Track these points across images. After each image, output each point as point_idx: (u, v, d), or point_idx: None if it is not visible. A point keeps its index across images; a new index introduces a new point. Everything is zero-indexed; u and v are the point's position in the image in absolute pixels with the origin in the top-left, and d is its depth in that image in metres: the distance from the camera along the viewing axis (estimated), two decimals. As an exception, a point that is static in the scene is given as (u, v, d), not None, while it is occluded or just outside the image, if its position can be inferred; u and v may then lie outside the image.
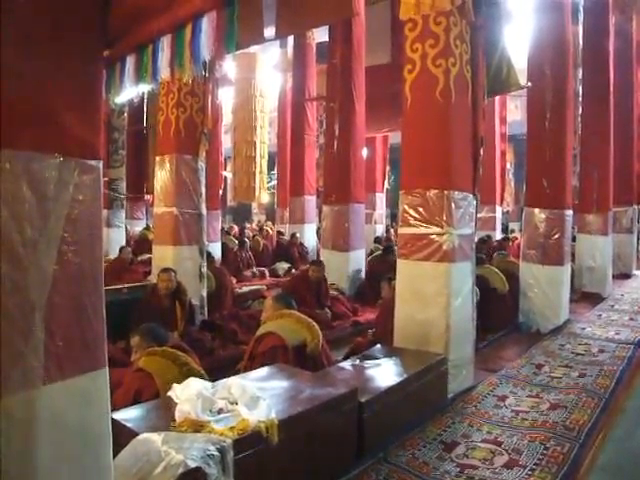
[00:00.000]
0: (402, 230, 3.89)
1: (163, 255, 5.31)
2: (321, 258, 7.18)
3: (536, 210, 5.82)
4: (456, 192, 3.69)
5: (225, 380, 2.56)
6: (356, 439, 2.68)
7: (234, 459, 2.00)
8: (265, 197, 12.46)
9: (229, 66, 10.91)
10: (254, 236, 11.54)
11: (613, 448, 2.87)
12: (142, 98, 9.23)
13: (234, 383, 2.47)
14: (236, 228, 13.58)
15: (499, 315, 5.46)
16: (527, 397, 3.59)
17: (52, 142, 1.44)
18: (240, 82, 11.31)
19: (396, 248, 6.69)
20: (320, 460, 2.46)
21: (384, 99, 7.31)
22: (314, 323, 3.40)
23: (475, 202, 3.95)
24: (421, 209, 3.71)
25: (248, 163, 11.25)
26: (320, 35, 9.27)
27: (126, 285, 5.47)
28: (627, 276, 9.02)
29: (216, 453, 1.94)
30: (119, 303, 4.45)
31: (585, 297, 7.21)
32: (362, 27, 7.26)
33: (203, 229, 5.49)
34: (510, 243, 9.98)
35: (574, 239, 7.44)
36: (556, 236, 5.72)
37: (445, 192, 3.64)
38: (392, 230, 12.45)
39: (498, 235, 11.59)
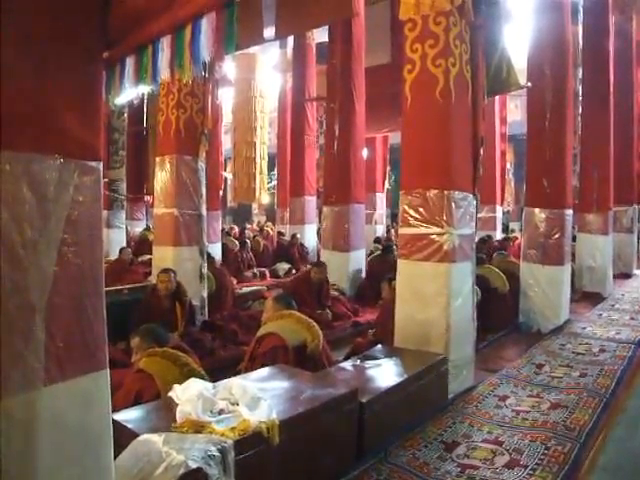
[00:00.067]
0: (402, 230, 3.89)
1: (163, 256, 5.31)
2: (321, 258, 7.18)
3: (536, 210, 5.81)
4: (456, 192, 3.69)
5: (226, 381, 2.56)
6: (357, 439, 2.67)
7: (235, 460, 2.00)
8: (265, 198, 12.46)
9: (229, 67, 10.90)
10: (254, 237, 11.54)
11: (614, 448, 2.87)
12: (142, 99, 9.25)
13: (235, 384, 2.47)
14: (236, 229, 13.58)
15: (499, 315, 5.46)
16: (528, 397, 3.59)
17: (52, 143, 1.45)
18: (240, 83, 11.31)
19: (395, 248, 6.73)
20: (321, 460, 2.46)
21: (384, 99, 7.31)
22: (314, 323, 3.40)
23: (475, 202, 3.95)
24: (421, 209, 3.71)
25: (248, 164, 11.25)
26: (320, 35, 9.28)
27: (126, 286, 5.48)
28: (627, 276, 9.01)
29: (217, 454, 1.94)
30: (119, 304, 4.45)
31: (585, 297, 7.20)
32: (362, 27, 7.26)
33: (203, 230, 5.49)
34: (510, 243, 9.98)
35: (574, 239, 7.43)
36: (556, 236, 5.71)
37: (445, 192, 3.64)
38: (392, 230, 12.46)
39: (498, 235, 11.60)
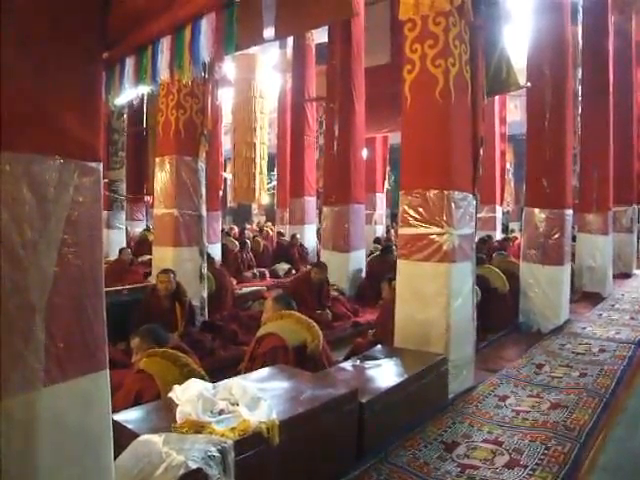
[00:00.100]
0: (402, 230, 3.89)
1: (163, 256, 5.31)
2: (321, 259, 7.18)
3: (536, 210, 5.81)
4: (456, 192, 3.69)
5: (226, 381, 2.56)
6: (356, 439, 2.67)
7: (235, 460, 2.00)
8: (265, 198, 12.45)
9: (229, 67, 10.91)
10: (254, 237, 11.54)
11: (614, 448, 2.87)
12: (142, 99, 9.22)
13: (235, 384, 2.47)
14: (236, 229, 13.57)
15: (499, 315, 5.46)
16: (528, 397, 3.59)
17: (52, 144, 1.45)
18: (240, 83, 11.31)
19: (395, 248, 6.72)
20: (321, 460, 2.46)
21: (384, 99, 7.31)
22: (314, 324, 3.40)
23: (475, 202, 3.95)
24: (421, 209, 3.71)
25: (248, 164, 11.25)
26: (319, 36, 9.27)
27: (126, 286, 5.48)
28: (627, 275, 9.02)
29: (217, 454, 1.94)
30: (119, 304, 4.45)
31: (585, 297, 7.21)
32: (361, 28, 7.26)
33: (203, 230, 5.49)
34: (510, 243, 9.99)
35: (574, 239, 7.43)
36: (556, 236, 5.71)
37: (445, 192, 3.64)
38: (392, 230, 12.46)
39: (498, 235, 11.60)
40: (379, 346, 3.70)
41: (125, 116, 10.76)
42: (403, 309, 3.81)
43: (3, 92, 1.33)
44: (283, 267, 9.14)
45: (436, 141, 3.69)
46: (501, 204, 12.50)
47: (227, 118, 12.88)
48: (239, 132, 11.35)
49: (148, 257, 7.19)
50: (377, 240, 10.39)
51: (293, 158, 10.31)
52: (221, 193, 10.77)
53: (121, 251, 8.06)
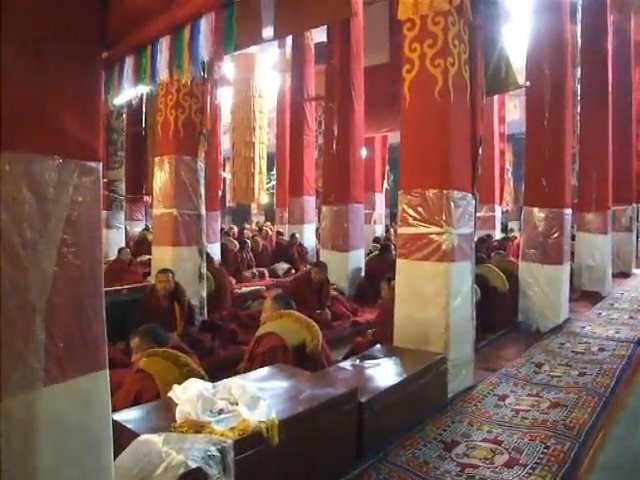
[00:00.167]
0: (401, 230, 3.90)
1: (162, 256, 5.31)
2: (320, 258, 7.18)
3: (535, 209, 5.82)
4: (455, 191, 3.69)
5: (225, 380, 2.56)
6: (356, 439, 2.68)
7: (235, 459, 2.00)
8: (264, 198, 12.47)
9: (228, 66, 10.92)
10: (253, 236, 11.54)
11: (613, 447, 2.87)
12: (141, 99, 9.25)
13: (234, 383, 2.47)
14: (235, 229, 13.57)
15: (499, 314, 5.47)
16: (527, 396, 3.59)
17: (52, 144, 1.45)
18: (239, 82, 11.32)
19: (393, 247, 6.72)
20: (320, 460, 2.46)
21: (383, 99, 7.33)
22: (314, 323, 3.41)
23: (474, 201, 3.95)
24: (420, 209, 3.71)
25: (247, 164, 11.26)
26: (318, 35, 9.28)
27: (125, 286, 5.48)
28: (626, 275, 9.03)
29: (217, 453, 1.94)
30: (119, 304, 4.45)
31: (585, 296, 7.22)
32: (360, 27, 7.26)
33: (202, 230, 5.49)
34: (510, 242, 10.00)
35: (573, 238, 7.44)
36: (555, 235, 5.72)
37: (444, 192, 3.64)
38: (391, 230, 12.46)
39: (498, 234, 11.61)
40: (378, 345, 3.70)
41: (124, 116, 10.75)
42: (402, 308, 3.81)
43: (3, 92, 1.33)
44: (282, 267, 9.15)
45: (435, 140, 3.69)
46: (500, 203, 12.51)
47: (226, 117, 12.88)
48: (238, 132, 11.36)
49: (147, 257, 7.19)
50: (376, 239, 10.39)
51: (292, 157, 10.31)
52: (220, 193, 10.76)
53: (120, 251, 8.05)
